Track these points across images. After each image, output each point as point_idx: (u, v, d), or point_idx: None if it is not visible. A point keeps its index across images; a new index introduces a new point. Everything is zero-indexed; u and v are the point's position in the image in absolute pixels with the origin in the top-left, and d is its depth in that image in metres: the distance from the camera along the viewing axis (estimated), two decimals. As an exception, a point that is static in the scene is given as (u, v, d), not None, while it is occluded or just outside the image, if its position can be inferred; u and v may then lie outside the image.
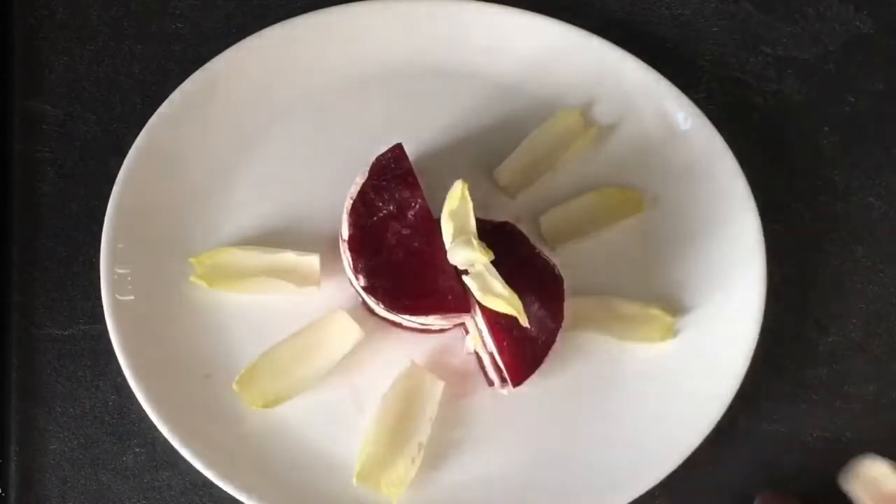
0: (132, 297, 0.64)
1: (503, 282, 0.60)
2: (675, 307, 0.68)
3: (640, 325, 0.67)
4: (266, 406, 0.63)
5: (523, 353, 0.62)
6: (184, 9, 0.72)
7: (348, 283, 0.66)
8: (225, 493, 0.62)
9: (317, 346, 0.64)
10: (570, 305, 0.65)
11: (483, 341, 0.64)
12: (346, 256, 0.64)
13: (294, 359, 0.64)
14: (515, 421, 0.66)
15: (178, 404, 0.63)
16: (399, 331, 0.66)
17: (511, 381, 0.63)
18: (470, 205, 0.62)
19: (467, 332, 0.66)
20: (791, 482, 0.69)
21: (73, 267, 0.68)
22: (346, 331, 0.64)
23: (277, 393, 0.64)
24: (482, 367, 0.66)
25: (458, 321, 0.65)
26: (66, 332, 0.67)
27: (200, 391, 0.64)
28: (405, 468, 0.63)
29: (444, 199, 0.62)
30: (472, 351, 0.66)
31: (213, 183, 0.68)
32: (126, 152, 0.65)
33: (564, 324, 0.64)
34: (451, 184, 0.63)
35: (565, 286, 0.64)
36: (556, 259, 0.65)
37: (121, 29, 0.71)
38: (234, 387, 0.63)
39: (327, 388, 0.65)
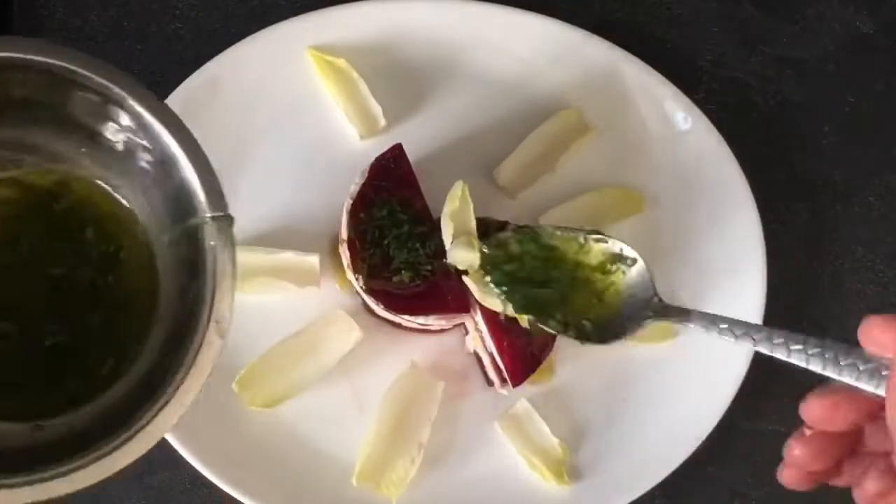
0: (132, 297, 0.64)
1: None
2: (675, 307, 0.68)
3: (640, 325, 0.67)
4: (266, 406, 0.63)
5: (523, 353, 0.62)
6: (184, 9, 0.72)
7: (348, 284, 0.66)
8: (225, 492, 0.62)
9: (317, 346, 0.64)
10: (570, 305, 0.65)
11: (483, 341, 0.64)
12: (345, 256, 0.64)
13: (294, 359, 0.64)
14: (515, 421, 0.66)
15: (178, 404, 0.63)
16: (399, 331, 0.66)
17: (511, 381, 0.63)
18: (470, 206, 0.62)
19: (467, 332, 0.66)
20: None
21: (73, 267, 0.68)
22: (346, 331, 0.64)
23: (277, 393, 0.64)
24: (482, 367, 0.66)
25: (458, 321, 0.65)
26: (66, 332, 0.67)
27: (200, 391, 0.64)
28: (405, 468, 0.63)
29: (444, 199, 0.63)
30: (472, 351, 0.66)
31: (213, 183, 0.68)
32: (126, 152, 0.65)
33: (564, 324, 0.64)
34: (451, 184, 0.63)
35: (565, 286, 0.64)
36: (556, 259, 0.65)
37: (121, 29, 0.71)
38: (234, 387, 0.63)
39: (327, 388, 0.65)
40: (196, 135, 0.67)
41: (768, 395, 0.69)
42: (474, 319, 0.64)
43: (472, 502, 0.64)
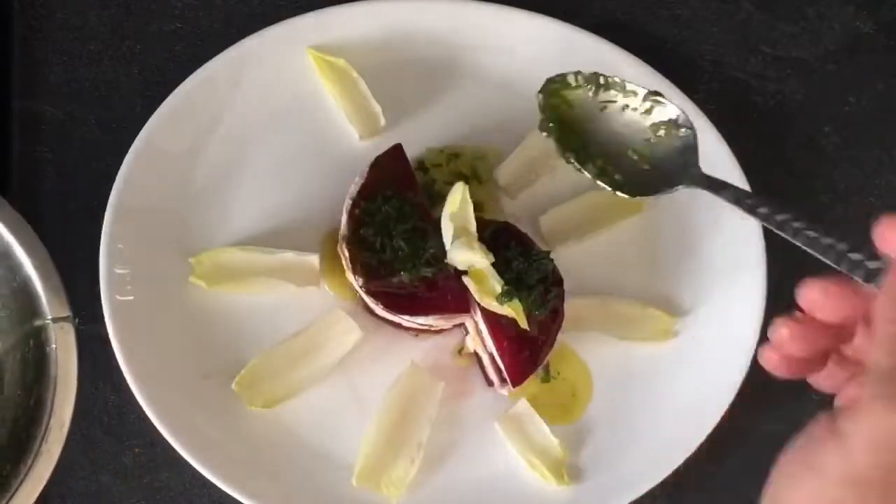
0: (132, 297, 0.64)
1: (503, 283, 0.60)
2: (675, 307, 0.68)
3: (640, 325, 0.67)
4: (266, 406, 0.63)
5: (523, 353, 0.62)
6: (184, 9, 0.72)
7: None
8: (225, 493, 0.62)
9: (317, 346, 0.64)
10: (570, 305, 0.65)
11: (483, 341, 0.64)
12: (345, 257, 0.64)
13: (294, 359, 0.64)
14: (515, 421, 0.66)
15: (178, 404, 0.63)
16: (399, 331, 0.66)
17: (511, 381, 0.63)
18: (470, 207, 0.62)
19: (467, 332, 0.66)
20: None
21: (72, 267, 0.67)
22: (346, 331, 0.64)
23: (277, 393, 0.64)
24: (482, 367, 0.66)
25: (458, 321, 0.65)
26: (66, 332, 0.67)
27: (200, 391, 0.64)
28: (405, 468, 0.62)
29: (443, 199, 0.63)
30: (472, 351, 0.66)
31: (213, 183, 0.68)
32: (126, 152, 0.65)
33: (564, 324, 0.64)
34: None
35: (565, 286, 0.64)
36: (556, 259, 0.65)
37: (121, 29, 0.71)
38: (234, 387, 0.63)
39: (327, 388, 0.65)
40: (196, 135, 0.67)
41: (768, 395, 0.69)
42: (474, 319, 0.64)
43: (472, 502, 0.64)
